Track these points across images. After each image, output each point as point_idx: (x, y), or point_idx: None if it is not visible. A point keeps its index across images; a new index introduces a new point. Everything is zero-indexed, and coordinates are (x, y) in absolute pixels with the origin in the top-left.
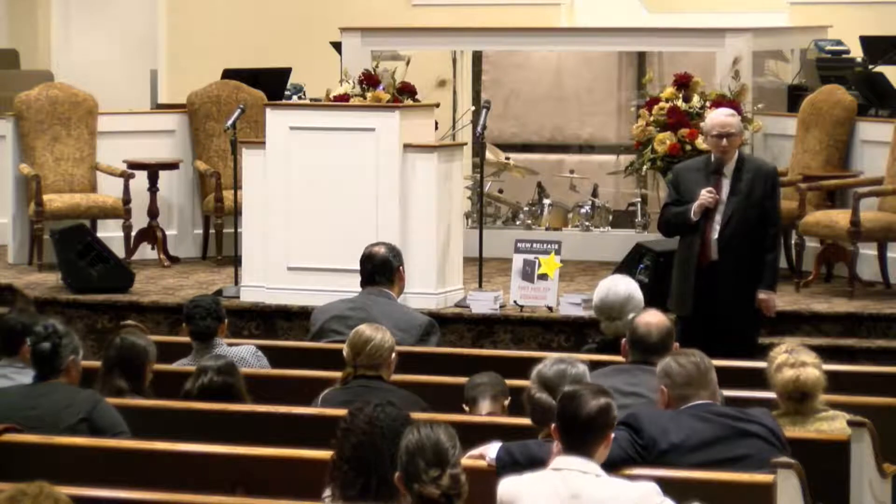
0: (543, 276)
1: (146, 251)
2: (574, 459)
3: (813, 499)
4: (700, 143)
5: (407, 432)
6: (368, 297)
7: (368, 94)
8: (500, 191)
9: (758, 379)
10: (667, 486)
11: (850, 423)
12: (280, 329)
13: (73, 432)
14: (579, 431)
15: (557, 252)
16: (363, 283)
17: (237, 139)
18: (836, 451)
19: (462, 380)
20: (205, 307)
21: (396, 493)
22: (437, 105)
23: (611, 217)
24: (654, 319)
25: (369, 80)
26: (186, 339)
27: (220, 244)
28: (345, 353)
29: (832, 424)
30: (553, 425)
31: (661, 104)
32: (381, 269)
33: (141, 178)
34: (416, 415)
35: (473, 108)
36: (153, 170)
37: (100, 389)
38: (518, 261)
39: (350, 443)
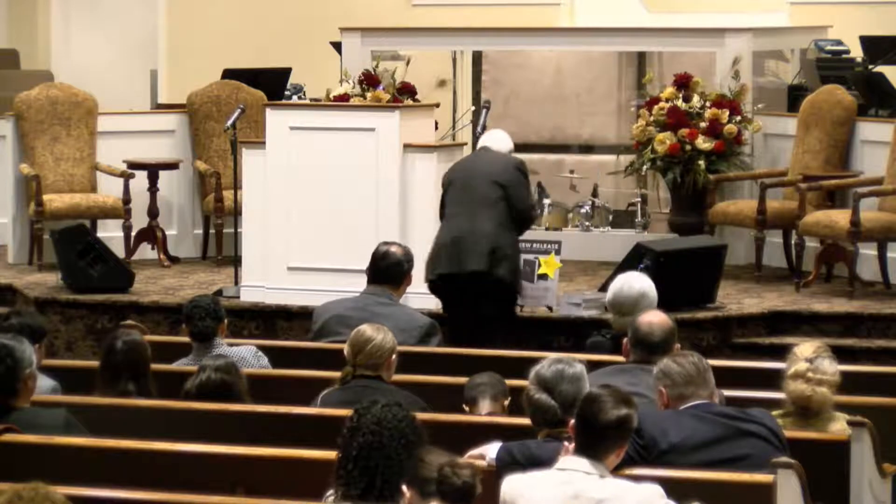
0: (543, 276)
1: (146, 251)
2: (581, 460)
3: (813, 499)
4: (700, 142)
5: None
6: (369, 298)
7: (368, 94)
8: None
9: (763, 380)
10: (667, 485)
11: (850, 423)
12: (280, 329)
13: None
14: (594, 436)
15: (557, 252)
16: (369, 280)
17: (237, 139)
18: (836, 451)
19: (462, 380)
20: (204, 307)
21: (400, 493)
22: (437, 105)
23: (611, 217)
24: (656, 319)
25: (369, 80)
26: (186, 339)
27: (220, 244)
28: (345, 351)
29: (832, 425)
30: (571, 422)
31: (661, 104)
32: (391, 271)
33: (141, 178)
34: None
35: (473, 108)
36: (153, 170)
37: (102, 394)
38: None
39: (356, 442)
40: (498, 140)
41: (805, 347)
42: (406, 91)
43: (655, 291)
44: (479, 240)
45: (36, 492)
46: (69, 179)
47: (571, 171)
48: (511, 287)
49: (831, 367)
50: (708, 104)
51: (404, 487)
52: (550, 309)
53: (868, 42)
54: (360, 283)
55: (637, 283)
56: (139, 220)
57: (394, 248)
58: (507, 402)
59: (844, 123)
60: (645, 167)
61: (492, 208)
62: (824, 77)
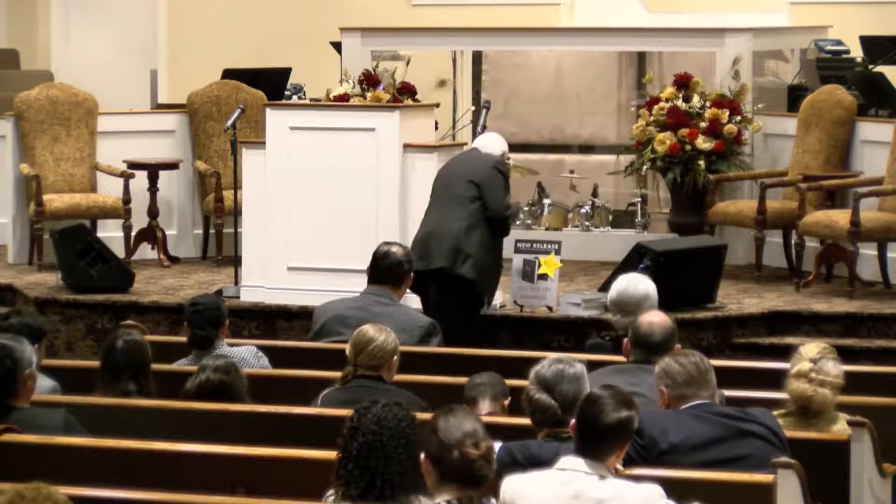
0: (543, 276)
1: (146, 251)
2: (581, 460)
3: (813, 499)
4: (700, 142)
5: (439, 415)
6: (369, 298)
7: (368, 94)
8: None
9: (763, 380)
10: (667, 485)
11: (850, 423)
12: (280, 329)
13: None
14: (594, 438)
15: (557, 252)
16: (369, 280)
17: (237, 139)
18: (836, 451)
19: (462, 380)
20: (204, 315)
21: (400, 493)
22: (437, 105)
23: (611, 217)
24: (657, 319)
25: (369, 80)
26: (186, 338)
27: (220, 244)
28: (347, 351)
29: (833, 425)
30: (572, 422)
31: (661, 104)
32: (391, 271)
33: (141, 178)
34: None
35: (473, 108)
36: (153, 170)
37: (104, 393)
38: (518, 261)
39: (357, 442)
40: (488, 142)
41: (810, 347)
42: (406, 91)
43: (657, 295)
44: (444, 237)
45: (38, 492)
46: (69, 179)
47: (571, 171)
48: (474, 286)
49: (835, 369)
50: (708, 104)
51: (422, 457)
52: (550, 309)
53: (868, 42)
54: (360, 283)
55: (641, 284)
56: (139, 220)
57: (394, 249)
58: (507, 402)
59: (844, 123)
60: (645, 167)
61: (463, 207)
62: (824, 77)
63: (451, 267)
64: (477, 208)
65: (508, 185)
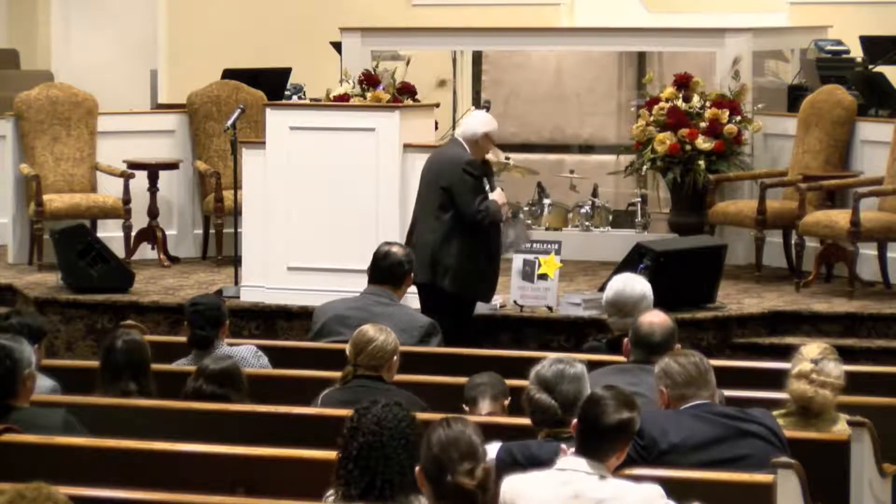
0: (543, 276)
1: (146, 251)
2: (581, 460)
3: (813, 499)
4: (700, 142)
5: (436, 427)
6: (369, 298)
7: (368, 94)
8: None
9: (763, 380)
10: (667, 486)
11: (850, 423)
12: (280, 329)
13: None
14: (595, 439)
15: (557, 252)
16: (370, 280)
17: (237, 139)
18: (836, 451)
19: (462, 380)
20: (204, 315)
21: (400, 494)
22: (437, 105)
23: (611, 217)
24: (657, 319)
25: (369, 80)
26: (186, 338)
27: (220, 244)
28: (347, 351)
29: (834, 426)
30: (574, 421)
31: (661, 104)
32: (392, 271)
33: (141, 178)
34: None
35: (473, 108)
36: (153, 170)
37: (104, 393)
38: (518, 261)
39: (357, 442)
40: (467, 125)
41: (811, 348)
42: (406, 91)
43: (652, 296)
44: (421, 250)
45: (38, 492)
46: (69, 179)
47: (571, 171)
48: (457, 298)
49: (836, 370)
50: (708, 104)
51: (417, 469)
52: (550, 309)
53: (868, 42)
54: (360, 283)
55: (638, 284)
56: (139, 220)
57: (395, 249)
58: (507, 402)
59: (844, 123)
60: (645, 167)
61: (436, 217)
62: (824, 77)
63: (432, 281)
64: (450, 217)
65: (481, 185)
